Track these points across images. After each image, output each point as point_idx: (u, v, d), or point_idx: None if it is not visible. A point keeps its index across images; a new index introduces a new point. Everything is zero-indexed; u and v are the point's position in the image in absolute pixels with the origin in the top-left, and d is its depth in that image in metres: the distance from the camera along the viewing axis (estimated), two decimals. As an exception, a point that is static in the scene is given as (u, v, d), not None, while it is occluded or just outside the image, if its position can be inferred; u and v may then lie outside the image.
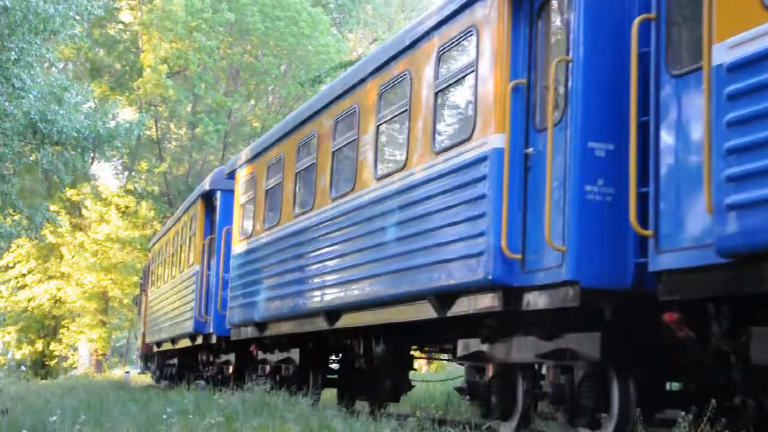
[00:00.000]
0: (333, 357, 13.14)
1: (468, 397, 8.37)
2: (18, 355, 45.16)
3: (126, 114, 33.49)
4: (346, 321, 10.24)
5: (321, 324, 10.77)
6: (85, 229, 38.59)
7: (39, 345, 43.12)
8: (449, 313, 7.91)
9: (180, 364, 21.37)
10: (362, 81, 10.26)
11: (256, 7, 32.73)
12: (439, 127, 8.40)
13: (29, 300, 40.38)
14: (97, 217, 37.57)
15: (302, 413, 8.68)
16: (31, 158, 22.75)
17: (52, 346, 43.06)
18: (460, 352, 8.39)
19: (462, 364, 8.81)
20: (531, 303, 6.96)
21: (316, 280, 10.81)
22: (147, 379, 29.00)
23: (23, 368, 40.05)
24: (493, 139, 7.22)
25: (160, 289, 22.38)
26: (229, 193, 15.41)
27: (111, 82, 36.07)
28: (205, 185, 16.77)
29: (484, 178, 7.25)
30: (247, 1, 32.74)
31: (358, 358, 11.38)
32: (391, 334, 10.31)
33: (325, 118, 11.25)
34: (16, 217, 22.68)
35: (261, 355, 14.07)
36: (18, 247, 38.04)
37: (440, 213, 7.92)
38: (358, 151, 10.01)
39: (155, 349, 24.08)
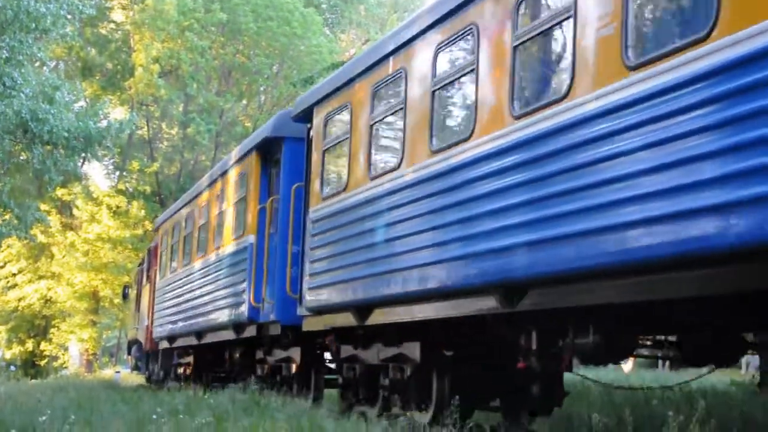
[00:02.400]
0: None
1: None
2: (8, 355, 45.06)
3: (117, 113, 33.43)
4: (548, 299, 6.73)
5: (488, 305, 7.36)
6: (75, 228, 38.52)
7: (29, 345, 43.06)
8: None
9: (198, 363, 17.93)
10: None
11: (248, 7, 32.71)
12: None
13: (19, 299, 40.32)
14: (88, 216, 37.50)
15: (293, 413, 8.68)
16: (21, 157, 22.73)
17: (43, 345, 43.01)
18: None
19: None
20: None
21: (483, 241, 7.09)
22: (138, 379, 28.88)
23: (13, 368, 39.98)
24: None
25: (177, 274, 18.41)
26: (297, 141, 12.01)
27: (102, 82, 36.01)
28: (264, 133, 13.03)
29: None
30: (240, 0, 32.72)
31: (528, 354, 7.82)
32: (604, 320, 6.93)
33: (492, 3, 7.43)
34: (6, 217, 22.64)
35: (348, 351, 10.49)
36: (8, 246, 37.98)
37: None
38: (577, 31, 6.29)
39: (161, 346, 20.64)
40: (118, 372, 33.82)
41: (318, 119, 10.97)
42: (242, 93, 35.62)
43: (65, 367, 45.17)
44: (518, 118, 6.82)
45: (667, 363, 15.99)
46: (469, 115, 7.64)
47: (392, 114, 9.05)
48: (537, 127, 6.54)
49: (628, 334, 7.30)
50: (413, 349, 9.05)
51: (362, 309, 9.43)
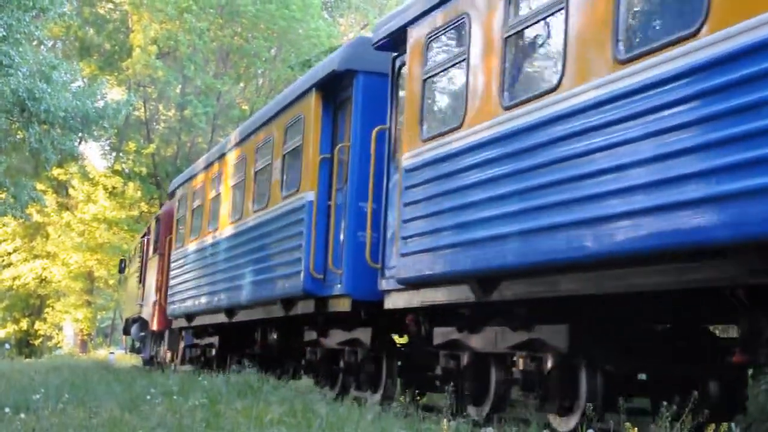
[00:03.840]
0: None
1: None
2: (2, 334, 45.09)
3: (114, 94, 33.37)
4: None
5: (722, 273, 5.22)
6: (71, 208, 38.50)
7: (24, 324, 43.08)
8: None
9: (222, 345, 15.92)
10: None
11: (247, -10, 32.60)
12: None
13: (14, 278, 40.31)
14: (84, 197, 37.49)
15: (286, 396, 8.70)
16: (18, 136, 22.68)
17: (37, 325, 43.04)
18: None
19: None
20: None
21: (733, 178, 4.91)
22: (133, 360, 28.79)
23: (7, 347, 39.99)
24: None
25: (201, 243, 15.94)
26: (375, 76, 9.93)
27: (100, 62, 35.91)
28: (330, 67, 10.47)
29: None
30: (239, -18, 32.60)
31: (753, 345, 5.79)
32: None
33: None
34: (2, 196, 22.61)
35: (446, 335, 8.42)
36: (3, 225, 37.95)
37: None
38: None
39: (175, 324, 18.42)
40: (112, 353, 33.84)
41: (414, 42, 8.59)
42: (240, 76, 35.53)
43: (59, 347, 45.21)
44: None
45: None
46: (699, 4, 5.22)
47: (543, 18, 6.72)
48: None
49: None
50: (557, 335, 6.95)
51: (487, 280, 7.23)
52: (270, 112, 12.82)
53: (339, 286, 9.89)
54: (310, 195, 10.63)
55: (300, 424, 6.44)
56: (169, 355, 20.33)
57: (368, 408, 7.76)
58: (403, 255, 8.15)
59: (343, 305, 9.91)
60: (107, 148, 39.37)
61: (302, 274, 10.48)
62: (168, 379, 11.33)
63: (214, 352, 16.33)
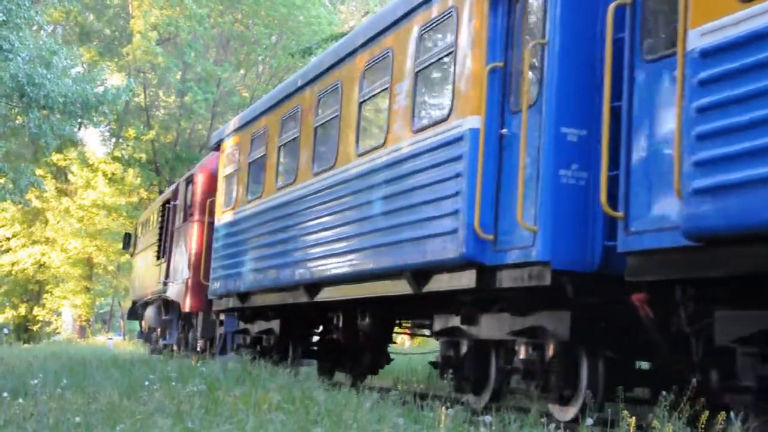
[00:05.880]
0: None
1: None
2: (0, 319, 45.13)
3: (114, 80, 33.32)
4: None
5: None
6: (70, 194, 38.49)
7: (22, 309, 43.13)
8: None
9: (284, 333, 12.68)
10: None
11: (248, -24, 32.54)
12: None
13: (13, 264, 40.34)
14: (84, 182, 37.47)
15: (284, 383, 8.70)
16: (17, 121, 22.65)
17: (36, 310, 43.09)
18: None
19: None
20: None
21: None
22: (132, 345, 28.70)
23: (6, 332, 40.04)
24: None
25: (266, 203, 12.36)
26: None
27: (100, 48, 35.85)
28: None
29: None
30: (240, -31, 32.54)
31: None
32: None
33: None
34: (1, 181, 22.59)
35: (745, 323, 5.13)
36: (2, 210, 37.94)
37: None
38: None
39: (221, 305, 14.53)
40: (110, 339, 33.90)
41: None
42: (240, 63, 35.48)
43: (58, 333, 45.29)
44: None
45: None
46: None
47: None
48: None
49: None
50: None
51: None
52: (390, 15, 9.18)
53: (528, 249, 6.72)
54: (474, 121, 7.38)
55: (298, 411, 6.44)
56: (202, 344, 17.08)
57: (366, 395, 7.74)
58: (697, 192, 5.08)
59: (536, 276, 6.71)
60: (107, 134, 39.37)
61: (461, 234, 7.30)
62: (166, 365, 11.33)
63: (272, 340, 13.10)
